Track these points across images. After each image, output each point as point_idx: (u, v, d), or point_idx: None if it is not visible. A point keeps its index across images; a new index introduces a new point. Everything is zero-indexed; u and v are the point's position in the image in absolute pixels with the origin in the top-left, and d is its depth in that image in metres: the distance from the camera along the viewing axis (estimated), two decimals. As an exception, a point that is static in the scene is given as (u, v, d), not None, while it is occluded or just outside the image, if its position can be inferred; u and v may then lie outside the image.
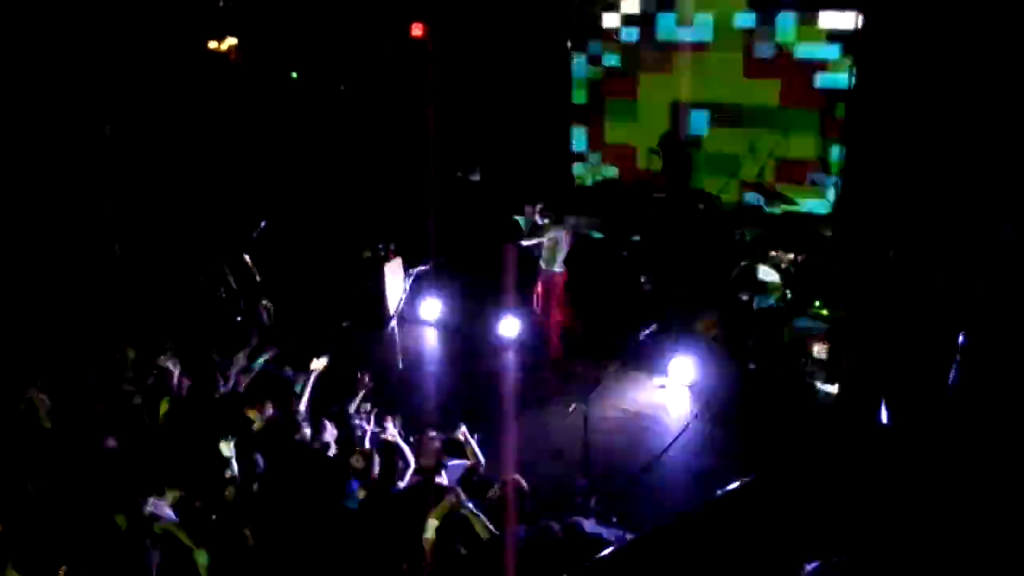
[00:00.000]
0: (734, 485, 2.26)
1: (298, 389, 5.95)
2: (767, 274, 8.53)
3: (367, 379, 6.31)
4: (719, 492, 2.30)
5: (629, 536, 5.62)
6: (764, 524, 2.20)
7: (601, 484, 6.28)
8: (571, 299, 8.70)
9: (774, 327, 8.01)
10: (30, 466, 5.10)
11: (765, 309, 8.13)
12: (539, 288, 8.59)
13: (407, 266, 9.17)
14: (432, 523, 4.32)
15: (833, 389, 7.58)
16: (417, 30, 10.77)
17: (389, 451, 5.29)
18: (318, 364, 6.16)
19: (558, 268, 8.40)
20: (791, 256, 8.65)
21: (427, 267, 9.23)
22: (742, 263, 8.91)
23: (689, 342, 8.19)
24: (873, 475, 2.26)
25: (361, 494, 4.86)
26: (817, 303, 7.83)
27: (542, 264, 8.46)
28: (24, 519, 4.49)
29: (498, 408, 7.66)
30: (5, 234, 7.93)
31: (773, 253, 8.83)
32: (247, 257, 8.90)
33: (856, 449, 2.31)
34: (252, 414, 5.53)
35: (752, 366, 7.98)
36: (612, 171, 11.57)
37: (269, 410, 5.55)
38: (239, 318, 8.72)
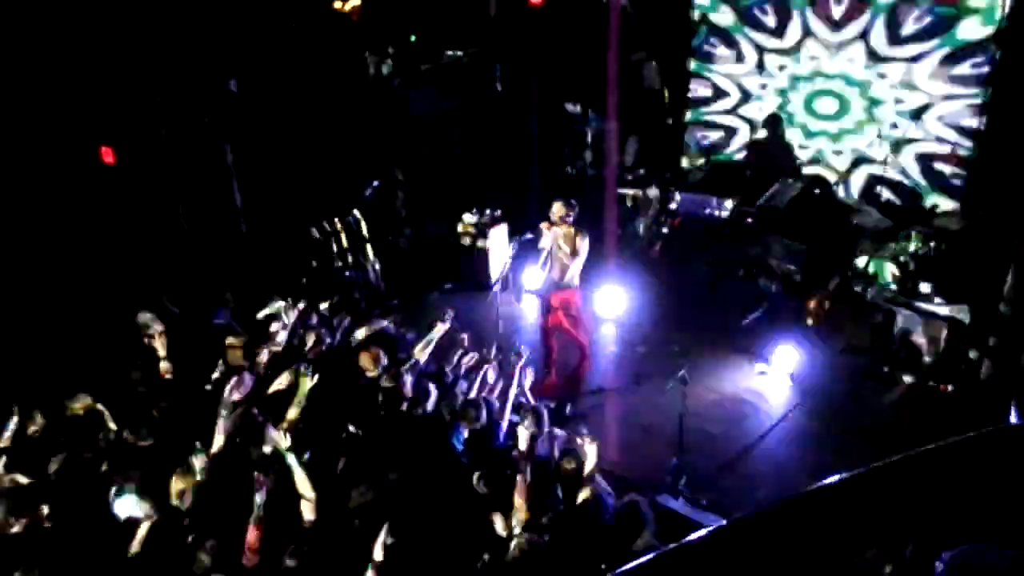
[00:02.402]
0: (844, 475, 2.18)
1: (418, 348, 6.02)
2: (885, 265, 8.16)
3: (467, 340, 6.41)
4: (824, 481, 2.22)
5: (716, 520, 5.58)
6: (880, 514, 2.11)
7: (692, 466, 6.23)
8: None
9: (887, 321, 7.67)
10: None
11: (879, 302, 7.78)
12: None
13: (512, 233, 9.21)
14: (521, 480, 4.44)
15: (950, 387, 7.22)
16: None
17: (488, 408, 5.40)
18: (442, 324, 6.22)
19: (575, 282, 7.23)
20: (912, 248, 8.22)
21: (532, 236, 9.23)
22: (858, 252, 8.55)
23: (795, 330, 7.94)
24: (1004, 472, 2.13)
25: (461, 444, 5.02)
26: (937, 299, 7.44)
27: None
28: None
29: (592, 380, 7.69)
30: (132, 179, 8.40)
31: (892, 244, 8.43)
32: (357, 214, 9.16)
33: (983, 446, 2.18)
34: (366, 362, 5.67)
35: (861, 360, 7.68)
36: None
37: (384, 360, 5.68)
38: (347, 274, 9.00)
